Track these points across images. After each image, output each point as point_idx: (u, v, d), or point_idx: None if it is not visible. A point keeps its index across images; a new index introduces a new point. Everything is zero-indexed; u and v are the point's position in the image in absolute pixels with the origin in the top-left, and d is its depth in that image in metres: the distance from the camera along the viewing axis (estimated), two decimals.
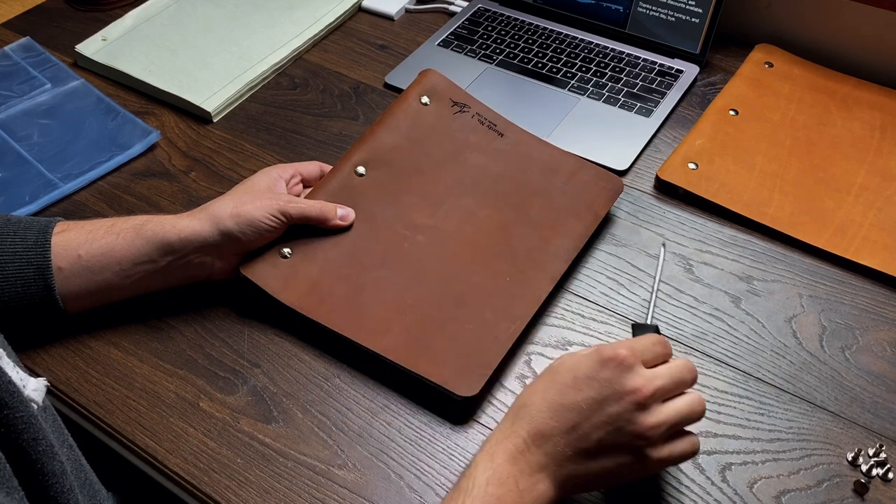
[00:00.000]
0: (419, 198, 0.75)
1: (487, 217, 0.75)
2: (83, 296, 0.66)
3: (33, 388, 0.52)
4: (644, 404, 0.52)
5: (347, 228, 0.73)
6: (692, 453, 0.55)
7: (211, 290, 0.73)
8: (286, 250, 0.70)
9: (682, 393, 0.55)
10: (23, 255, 0.64)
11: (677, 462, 0.55)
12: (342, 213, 0.72)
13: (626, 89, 0.92)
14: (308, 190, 0.75)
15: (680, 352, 0.68)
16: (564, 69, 0.95)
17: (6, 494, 0.43)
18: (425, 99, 0.81)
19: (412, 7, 1.07)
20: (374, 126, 0.79)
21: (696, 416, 0.55)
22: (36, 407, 0.51)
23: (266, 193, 0.69)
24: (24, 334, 0.69)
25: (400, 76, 0.95)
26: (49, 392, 0.55)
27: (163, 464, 0.62)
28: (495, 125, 0.82)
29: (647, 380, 0.53)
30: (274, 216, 0.68)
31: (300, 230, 0.71)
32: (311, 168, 0.76)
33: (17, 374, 0.51)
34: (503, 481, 0.52)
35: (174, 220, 0.67)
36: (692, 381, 0.56)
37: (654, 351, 0.56)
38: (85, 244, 0.65)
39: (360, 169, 0.76)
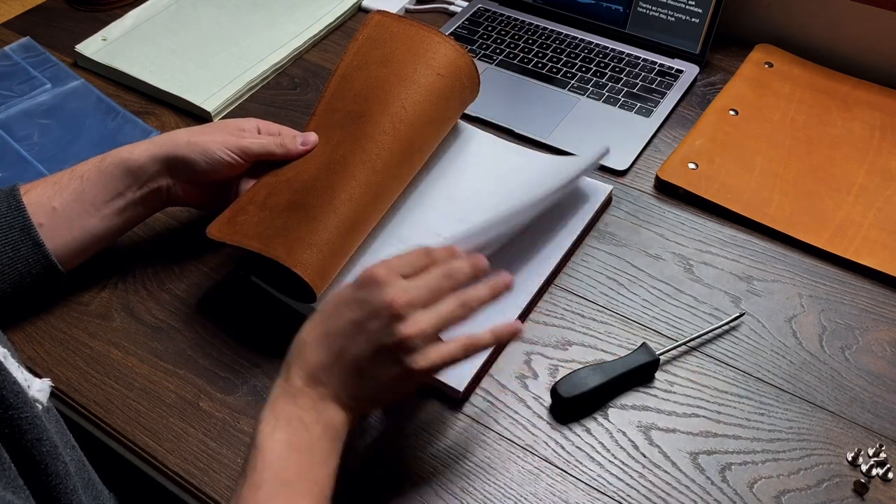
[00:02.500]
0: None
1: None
2: (71, 248, 0.67)
3: (38, 388, 0.52)
4: (399, 315, 0.53)
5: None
6: (462, 352, 0.55)
7: (211, 290, 0.73)
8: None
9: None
10: (1, 221, 0.64)
11: (449, 364, 0.55)
12: (301, 138, 0.72)
13: (626, 89, 0.92)
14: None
15: (680, 351, 0.68)
16: (564, 69, 0.95)
17: (13, 493, 0.43)
18: None
19: (412, 7, 1.07)
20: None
21: (459, 314, 0.55)
22: (40, 407, 0.51)
23: (228, 129, 0.70)
24: (26, 334, 0.70)
25: None
26: (50, 393, 0.55)
27: (163, 464, 0.62)
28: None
29: (400, 291, 0.54)
30: (232, 152, 0.68)
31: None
32: (290, 132, 0.76)
33: (21, 375, 0.51)
34: (289, 422, 0.52)
35: (130, 149, 0.68)
36: (453, 285, 0.56)
37: (416, 264, 0.56)
38: (56, 196, 0.66)
39: None
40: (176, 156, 0.68)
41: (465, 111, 0.87)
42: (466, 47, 0.98)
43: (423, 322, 0.53)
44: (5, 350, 0.51)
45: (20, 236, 0.64)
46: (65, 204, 0.66)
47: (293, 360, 0.55)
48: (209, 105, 0.90)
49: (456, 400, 0.65)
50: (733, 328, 0.70)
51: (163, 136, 0.70)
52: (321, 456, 0.53)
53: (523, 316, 0.70)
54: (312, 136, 0.72)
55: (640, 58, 0.96)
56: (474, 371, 0.65)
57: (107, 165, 0.67)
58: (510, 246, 0.73)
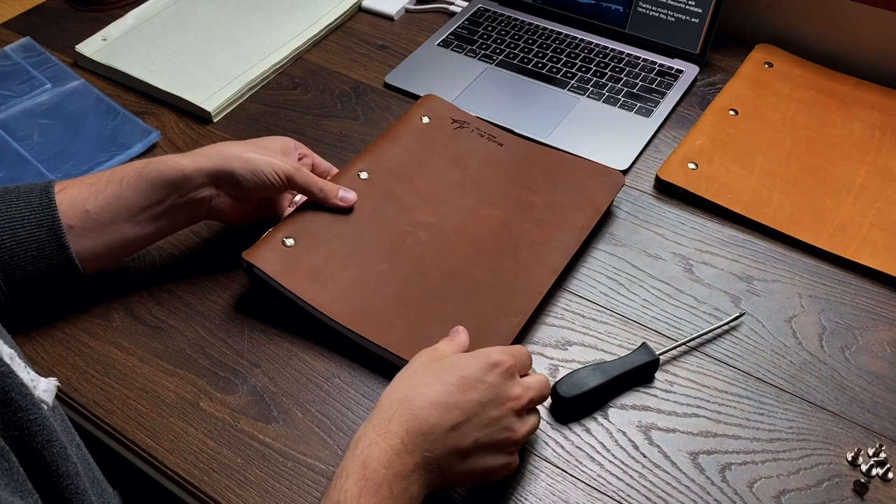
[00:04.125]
0: (421, 197, 0.76)
1: (489, 214, 0.75)
2: (98, 253, 0.66)
3: (44, 388, 0.51)
4: (520, 412, 0.56)
5: (348, 211, 0.73)
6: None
7: (211, 290, 0.73)
8: (289, 241, 0.70)
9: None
10: (31, 218, 0.63)
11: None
12: (343, 194, 0.73)
13: (626, 89, 0.92)
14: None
15: (680, 351, 0.68)
16: (564, 69, 0.95)
17: (21, 498, 0.43)
18: (426, 119, 0.83)
19: (412, 7, 1.07)
20: (375, 140, 0.80)
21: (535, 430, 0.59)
22: (46, 407, 0.50)
23: (278, 154, 0.70)
24: (26, 334, 0.69)
25: (400, 76, 0.95)
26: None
27: (163, 464, 0.62)
28: (494, 137, 0.83)
29: (524, 389, 0.57)
30: (279, 175, 0.69)
31: (302, 220, 0.72)
32: (323, 164, 0.77)
33: (27, 375, 0.50)
34: (377, 489, 0.50)
35: (176, 159, 0.67)
36: (546, 398, 0.60)
37: (526, 363, 0.59)
38: (90, 198, 0.65)
39: (363, 174, 0.76)
40: (224, 169, 0.67)
41: (467, 110, 0.87)
42: (466, 47, 0.98)
43: (529, 425, 0.57)
44: (12, 351, 0.51)
45: (47, 236, 0.64)
46: (99, 207, 0.65)
47: (396, 410, 0.53)
48: (209, 105, 0.90)
49: None
50: (733, 328, 0.70)
51: (212, 148, 0.69)
52: None
53: (536, 316, 0.70)
54: (352, 197, 0.73)
55: (640, 58, 0.96)
56: None
57: (149, 171, 0.66)
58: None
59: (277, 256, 0.69)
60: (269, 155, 0.69)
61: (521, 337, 0.69)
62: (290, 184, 0.70)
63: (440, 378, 0.55)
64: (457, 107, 0.85)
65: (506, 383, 0.55)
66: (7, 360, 0.47)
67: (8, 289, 0.64)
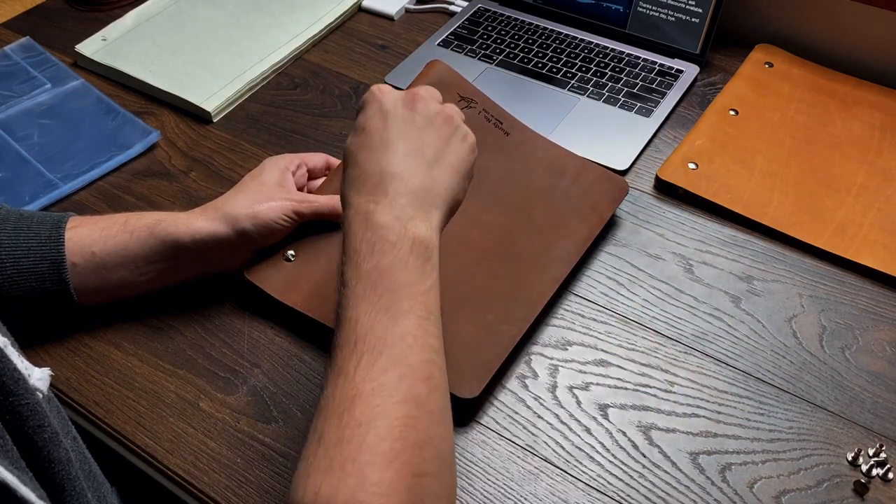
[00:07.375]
0: None
1: (491, 220, 0.74)
2: (97, 291, 0.67)
3: (38, 377, 0.52)
4: (429, 101, 0.57)
5: None
6: None
7: (211, 290, 0.73)
8: (290, 253, 0.70)
9: None
10: (37, 249, 0.64)
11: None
12: None
13: (626, 89, 0.92)
14: (316, 182, 0.76)
15: (680, 352, 0.68)
16: (564, 69, 0.95)
17: (19, 471, 0.43)
18: None
19: (412, 7, 1.07)
20: None
21: None
22: (41, 396, 0.51)
23: (279, 191, 0.69)
24: (26, 334, 0.69)
25: (400, 76, 0.95)
26: (50, 388, 0.55)
27: (163, 464, 0.62)
28: (501, 123, 0.81)
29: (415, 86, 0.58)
30: (288, 216, 0.68)
31: (304, 232, 0.71)
32: (318, 159, 0.77)
33: (22, 363, 0.51)
34: (371, 250, 0.50)
35: (188, 221, 0.67)
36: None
37: (388, 90, 0.58)
38: (99, 241, 0.66)
39: None
40: (237, 231, 0.67)
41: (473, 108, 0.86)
42: (466, 47, 0.98)
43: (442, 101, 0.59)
44: (6, 339, 0.51)
45: (49, 269, 0.64)
46: (105, 252, 0.66)
47: (388, 189, 0.52)
48: (209, 105, 0.90)
49: (457, 401, 0.65)
50: (733, 328, 0.70)
51: (218, 207, 0.67)
52: (415, 273, 0.50)
53: (538, 321, 0.70)
54: None
55: (640, 58, 0.96)
56: (486, 380, 0.64)
57: (160, 231, 0.66)
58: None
59: (279, 274, 0.69)
60: (272, 196, 0.68)
61: (522, 338, 0.69)
62: (301, 218, 0.69)
63: (366, 148, 0.54)
64: (464, 78, 0.82)
65: (400, 95, 0.56)
66: (0, 346, 0.47)
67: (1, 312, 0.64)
